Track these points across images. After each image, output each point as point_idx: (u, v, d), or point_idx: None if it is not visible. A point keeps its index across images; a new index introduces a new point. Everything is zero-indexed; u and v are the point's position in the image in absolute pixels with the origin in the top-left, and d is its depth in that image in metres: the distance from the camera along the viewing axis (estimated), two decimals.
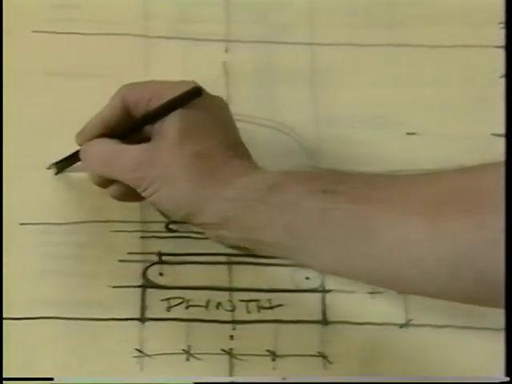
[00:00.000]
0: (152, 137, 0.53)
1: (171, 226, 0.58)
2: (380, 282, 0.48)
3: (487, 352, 0.56)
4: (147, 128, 0.53)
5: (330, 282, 0.58)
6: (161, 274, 0.57)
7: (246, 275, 0.58)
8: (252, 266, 0.58)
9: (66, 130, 0.60)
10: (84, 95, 0.61)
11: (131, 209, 0.58)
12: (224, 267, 0.58)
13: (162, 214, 0.58)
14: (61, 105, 0.61)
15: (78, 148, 0.56)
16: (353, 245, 0.46)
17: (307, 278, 0.58)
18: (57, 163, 0.58)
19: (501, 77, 0.62)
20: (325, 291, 0.58)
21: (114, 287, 0.57)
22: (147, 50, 0.63)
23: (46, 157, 0.59)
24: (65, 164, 0.58)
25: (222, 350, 0.56)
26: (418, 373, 0.56)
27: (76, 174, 0.59)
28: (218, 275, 0.58)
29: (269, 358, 0.56)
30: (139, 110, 0.54)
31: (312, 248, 0.48)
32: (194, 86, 0.52)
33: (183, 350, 0.56)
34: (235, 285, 0.58)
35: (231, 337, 0.57)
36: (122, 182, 0.53)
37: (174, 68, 0.62)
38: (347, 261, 0.47)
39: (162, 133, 0.52)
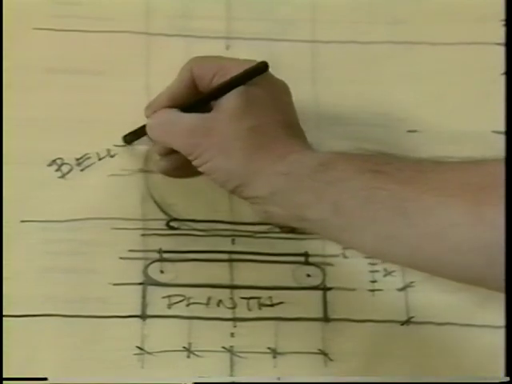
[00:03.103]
0: (212, 108, 0.53)
1: (172, 224, 0.58)
2: (418, 265, 0.48)
3: (487, 350, 0.56)
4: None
5: (331, 280, 0.58)
6: (162, 272, 0.57)
7: (246, 273, 0.58)
8: (253, 264, 0.58)
9: (67, 127, 0.60)
10: (85, 92, 0.61)
11: (132, 206, 0.58)
12: (225, 264, 0.58)
13: (163, 210, 0.58)
14: (62, 102, 0.61)
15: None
16: (394, 226, 0.47)
17: (308, 276, 0.58)
18: (126, 136, 0.60)
19: (502, 74, 0.62)
20: (326, 289, 0.58)
21: (115, 284, 0.57)
22: (148, 47, 0.63)
23: (47, 153, 0.59)
24: (133, 136, 0.59)
25: (223, 347, 0.56)
26: (419, 370, 0.56)
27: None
28: (218, 273, 0.58)
29: (270, 356, 0.56)
30: (204, 84, 0.55)
31: (356, 228, 0.48)
32: (261, 61, 0.53)
33: (184, 347, 0.56)
34: (236, 282, 0.58)
35: (232, 334, 0.57)
36: (177, 149, 0.54)
37: (175, 65, 0.62)
38: (388, 242, 0.47)
39: (222, 105, 0.52)
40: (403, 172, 0.48)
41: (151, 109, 0.57)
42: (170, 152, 0.56)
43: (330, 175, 0.49)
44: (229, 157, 0.52)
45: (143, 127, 0.57)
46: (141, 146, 0.60)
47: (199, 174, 0.55)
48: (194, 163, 0.53)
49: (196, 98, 0.55)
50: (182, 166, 0.56)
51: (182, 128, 0.53)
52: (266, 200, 0.51)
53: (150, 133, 0.56)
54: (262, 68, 0.53)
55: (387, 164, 0.49)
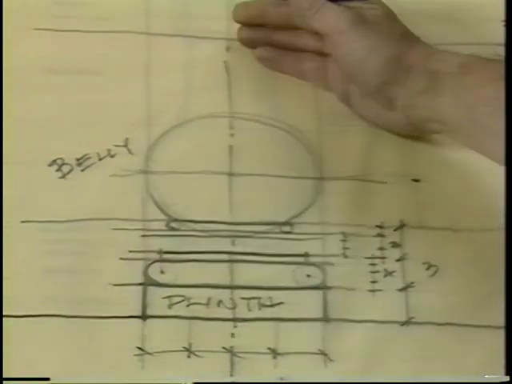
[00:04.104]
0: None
1: (172, 224, 0.58)
2: None
3: (487, 350, 0.56)
4: None
5: (331, 280, 0.58)
6: (162, 272, 0.57)
7: (247, 273, 0.58)
8: (253, 264, 0.58)
9: (68, 127, 0.60)
10: (85, 93, 0.61)
11: (132, 207, 0.58)
12: (225, 265, 0.58)
13: (163, 211, 0.58)
14: (62, 102, 0.61)
15: None
16: None
17: (308, 276, 0.58)
18: None
19: None
20: (326, 288, 0.58)
21: (115, 285, 0.57)
22: (148, 47, 0.63)
23: (47, 154, 0.59)
24: None
25: (223, 347, 0.56)
26: (419, 370, 0.56)
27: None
28: (219, 273, 0.58)
29: (270, 356, 0.56)
30: None
31: (489, 135, 0.50)
32: None
33: (184, 347, 0.56)
34: (236, 282, 0.58)
35: (232, 334, 0.57)
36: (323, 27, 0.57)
37: (175, 65, 0.62)
38: None
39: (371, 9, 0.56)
40: None
41: None
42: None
43: (469, 80, 0.51)
44: (384, 49, 0.54)
45: None
46: None
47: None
48: (342, 46, 0.56)
49: None
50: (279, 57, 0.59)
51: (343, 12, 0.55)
52: (410, 100, 0.53)
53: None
54: None
55: None
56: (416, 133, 0.59)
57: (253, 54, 0.62)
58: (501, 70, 0.50)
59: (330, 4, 0.56)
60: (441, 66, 0.53)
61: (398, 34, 0.56)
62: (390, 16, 0.57)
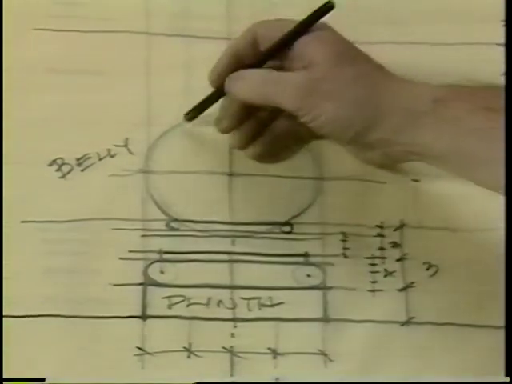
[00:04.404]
0: (297, 65, 0.52)
1: (172, 224, 0.58)
2: None
3: (487, 350, 0.57)
4: (282, 57, 0.53)
5: (331, 280, 0.58)
6: (162, 272, 0.57)
7: (246, 273, 0.58)
8: (253, 264, 0.58)
9: (68, 127, 0.60)
10: (85, 92, 0.61)
11: (132, 206, 0.58)
12: (225, 265, 0.58)
13: (163, 211, 0.58)
14: (62, 102, 0.61)
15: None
16: None
17: (308, 276, 0.58)
18: (187, 113, 0.59)
19: (502, 74, 0.62)
20: (326, 289, 0.58)
21: (115, 285, 0.57)
22: (148, 47, 0.63)
23: (47, 153, 0.59)
24: (196, 112, 0.58)
25: (223, 347, 0.56)
26: (419, 370, 0.56)
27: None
28: (219, 273, 0.58)
29: (270, 356, 0.56)
30: (267, 43, 0.53)
31: (477, 165, 0.48)
32: (326, 1, 0.52)
33: (184, 347, 0.56)
34: (236, 282, 0.58)
35: (232, 334, 0.57)
36: (283, 107, 0.52)
37: (175, 65, 0.62)
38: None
39: (316, 56, 0.51)
40: None
41: (216, 72, 0.55)
42: (253, 138, 0.55)
43: (446, 113, 0.49)
44: (347, 103, 0.50)
45: (209, 98, 0.56)
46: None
47: (289, 156, 0.56)
48: (304, 119, 0.51)
49: (266, 51, 0.53)
50: (271, 147, 0.55)
51: (286, 85, 0.51)
52: (388, 142, 0.50)
53: (240, 90, 0.53)
54: (328, 8, 0.52)
55: (501, 99, 0.49)
56: (395, 164, 0.58)
57: (246, 155, 0.58)
58: (479, 100, 0.49)
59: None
60: (415, 103, 0.50)
61: (358, 76, 0.51)
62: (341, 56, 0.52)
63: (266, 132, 0.56)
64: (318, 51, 0.51)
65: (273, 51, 0.53)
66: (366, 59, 0.52)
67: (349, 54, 0.52)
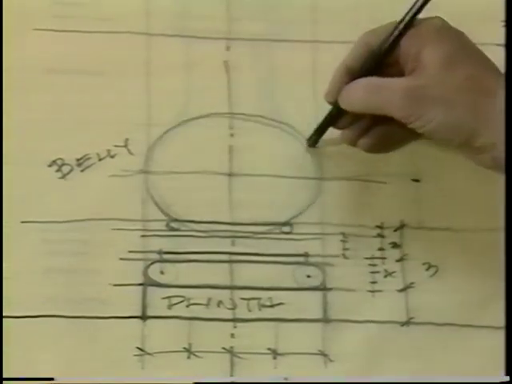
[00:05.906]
0: (408, 70, 0.51)
1: (172, 225, 0.58)
2: None
3: (487, 350, 0.57)
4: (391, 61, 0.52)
5: (331, 280, 0.58)
6: (162, 273, 0.57)
7: (246, 273, 0.58)
8: (253, 264, 0.58)
9: (68, 127, 0.60)
10: (85, 92, 0.61)
11: (132, 207, 0.58)
12: (225, 265, 0.58)
13: (163, 211, 0.58)
14: (62, 102, 0.61)
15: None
16: None
17: (308, 276, 0.58)
18: (309, 139, 0.60)
19: None
20: (326, 289, 0.58)
21: (115, 285, 0.57)
22: (148, 47, 0.63)
23: (47, 154, 0.59)
24: (318, 135, 0.59)
25: (223, 348, 0.56)
26: (419, 370, 0.57)
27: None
28: (219, 273, 0.58)
29: (270, 357, 0.56)
30: None
31: None
32: None
33: (184, 348, 0.56)
34: (236, 283, 0.58)
35: (232, 335, 0.57)
36: (393, 115, 0.51)
37: (175, 65, 0.62)
38: None
39: (424, 61, 0.50)
40: None
41: (331, 91, 0.55)
42: (367, 128, 0.55)
43: None
44: (455, 109, 0.49)
45: (326, 120, 0.57)
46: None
47: (400, 145, 0.55)
48: (412, 126, 0.51)
49: (375, 57, 0.53)
50: (383, 139, 0.55)
51: (393, 90, 0.51)
52: (496, 145, 0.49)
53: (350, 101, 0.53)
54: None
55: None
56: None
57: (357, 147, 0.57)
58: None
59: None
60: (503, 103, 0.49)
61: (468, 79, 0.50)
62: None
63: (378, 125, 0.55)
64: (425, 53, 0.51)
65: (379, 58, 0.53)
66: (479, 58, 0.51)
67: (459, 55, 0.51)
